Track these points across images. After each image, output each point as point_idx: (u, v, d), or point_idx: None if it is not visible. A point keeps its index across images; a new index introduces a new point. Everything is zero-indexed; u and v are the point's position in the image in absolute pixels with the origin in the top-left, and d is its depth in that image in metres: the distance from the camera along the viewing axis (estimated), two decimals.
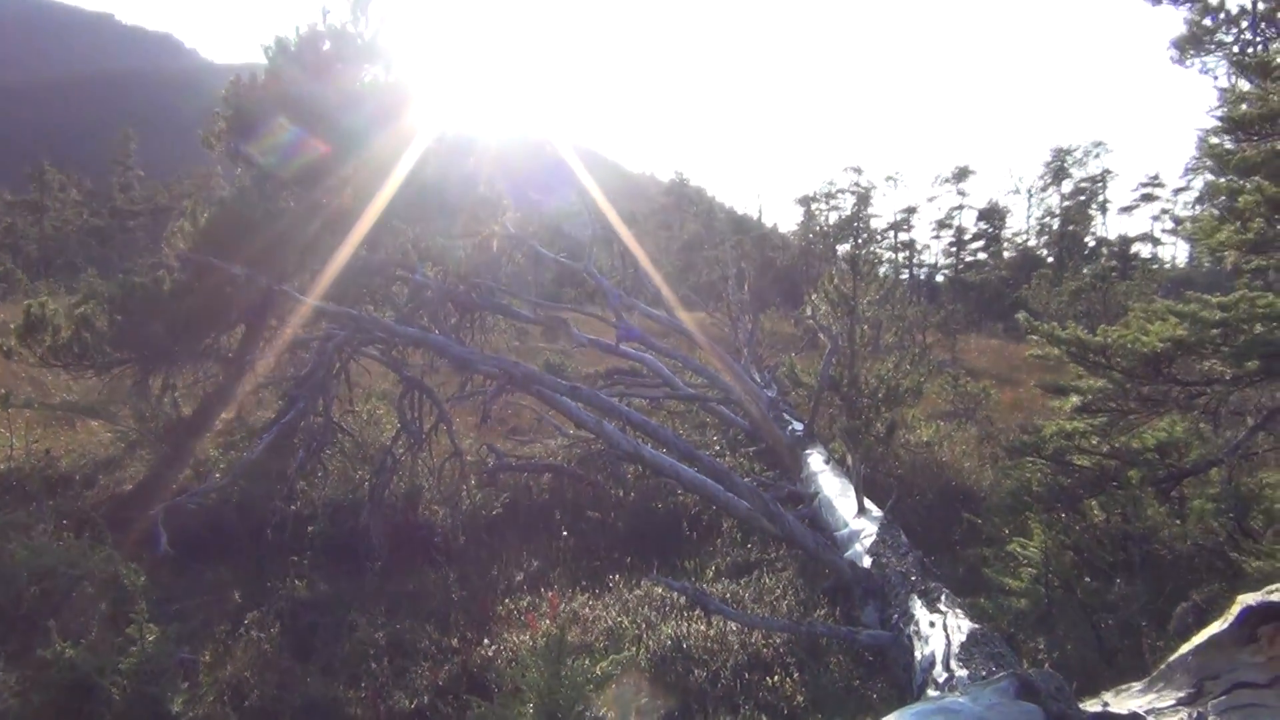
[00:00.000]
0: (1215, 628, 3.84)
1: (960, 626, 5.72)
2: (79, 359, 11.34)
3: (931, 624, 5.87)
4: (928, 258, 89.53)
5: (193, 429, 11.14)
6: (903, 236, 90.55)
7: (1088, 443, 7.71)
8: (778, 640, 6.57)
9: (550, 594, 7.46)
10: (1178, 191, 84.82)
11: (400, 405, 8.28)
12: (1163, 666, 4.21)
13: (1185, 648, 4.04)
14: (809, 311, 12.48)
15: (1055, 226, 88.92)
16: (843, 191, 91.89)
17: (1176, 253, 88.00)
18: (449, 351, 7.62)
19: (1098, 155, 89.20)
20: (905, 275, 79.07)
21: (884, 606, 6.51)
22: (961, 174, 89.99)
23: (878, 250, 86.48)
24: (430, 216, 12.45)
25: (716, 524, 9.47)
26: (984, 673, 5.16)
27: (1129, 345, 6.81)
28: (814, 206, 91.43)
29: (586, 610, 7.28)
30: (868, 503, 8.33)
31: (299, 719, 6.05)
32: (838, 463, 10.03)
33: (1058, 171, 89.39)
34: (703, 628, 6.72)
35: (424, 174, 11.92)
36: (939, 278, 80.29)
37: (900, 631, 6.00)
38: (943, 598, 6.32)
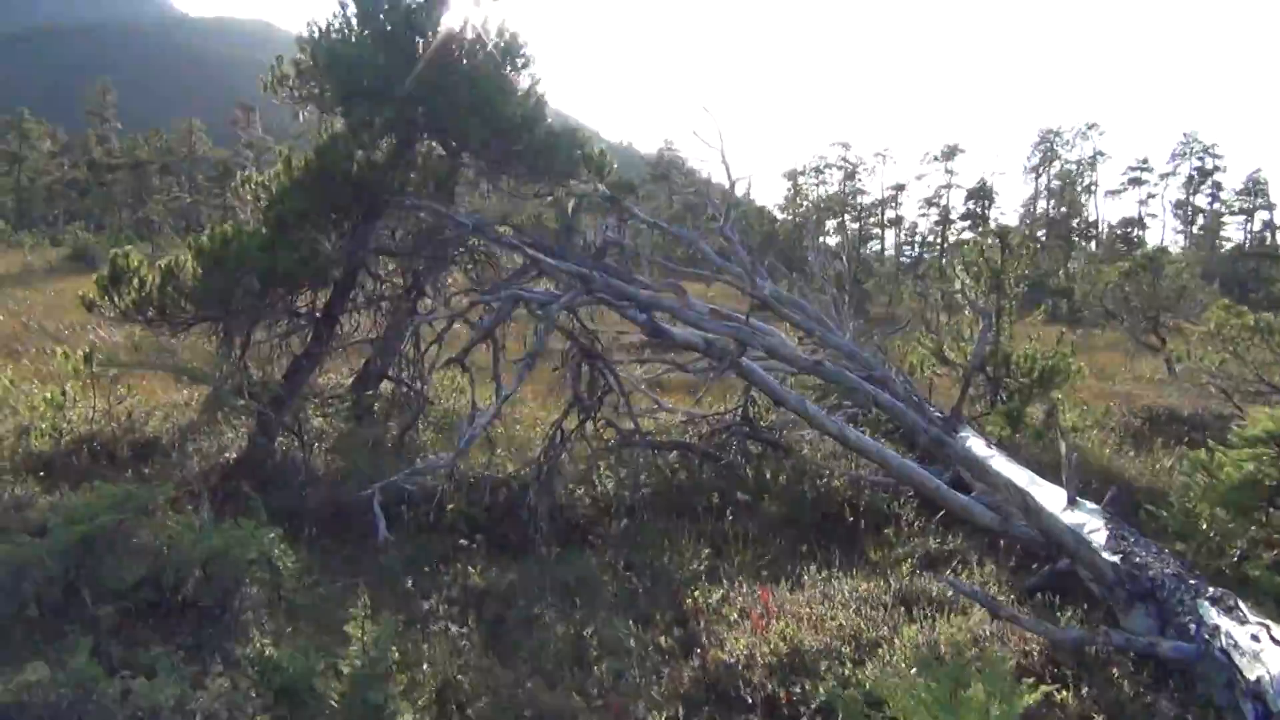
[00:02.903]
0: None
1: None
2: (161, 313, 10.53)
3: (1255, 638, 5.26)
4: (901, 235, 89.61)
5: (287, 393, 10.34)
6: (890, 214, 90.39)
7: None
8: (1035, 648, 5.95)
9: (762, 589, 6.78)
10: (1164, 176, 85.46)
11: (571, 376, 7.54)
12: None
13: None
14: (957, 285, 11.84)
15: (1041, 209, 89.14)
16: (831, 167, 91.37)
17: (1163, 237, 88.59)
18: (683, 315, 6.91)
19: (1087, 137, 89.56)
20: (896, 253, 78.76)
21: (1161, 613, 5.89)
22: (951, 152, 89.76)
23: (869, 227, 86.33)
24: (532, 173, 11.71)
25: (881, 510, 8.83)
26: None
27: None
28: (801, 181, 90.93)
29: (803, 608, 6.60)
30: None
31: None
32: (1002, 447, 9.41)
33: (1046, 153, 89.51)
34: (951, 629, 6.08)
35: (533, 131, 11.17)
36: (928, 256, 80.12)
37: (1208, 644, 5.39)
38: (1240, 605, 5.73)
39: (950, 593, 6.84)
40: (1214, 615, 5.62)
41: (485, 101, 10.88)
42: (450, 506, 8.34)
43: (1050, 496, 7.67)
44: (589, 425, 8.21)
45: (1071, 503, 7.58)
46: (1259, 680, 4.91)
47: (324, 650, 6.03)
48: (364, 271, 11.79)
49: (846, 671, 5.61)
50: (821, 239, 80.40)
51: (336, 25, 11.84)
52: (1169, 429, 12.50)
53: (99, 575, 5.92)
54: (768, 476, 9.29)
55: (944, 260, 61.94)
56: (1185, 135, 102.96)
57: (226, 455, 9.55)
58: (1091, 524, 7.17)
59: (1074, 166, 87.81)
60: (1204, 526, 8.13)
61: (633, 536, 8.29)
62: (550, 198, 13.07)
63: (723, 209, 10.41)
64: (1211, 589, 5.93)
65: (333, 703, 5.13)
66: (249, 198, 12.32)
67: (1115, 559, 6.40)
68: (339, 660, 5.45)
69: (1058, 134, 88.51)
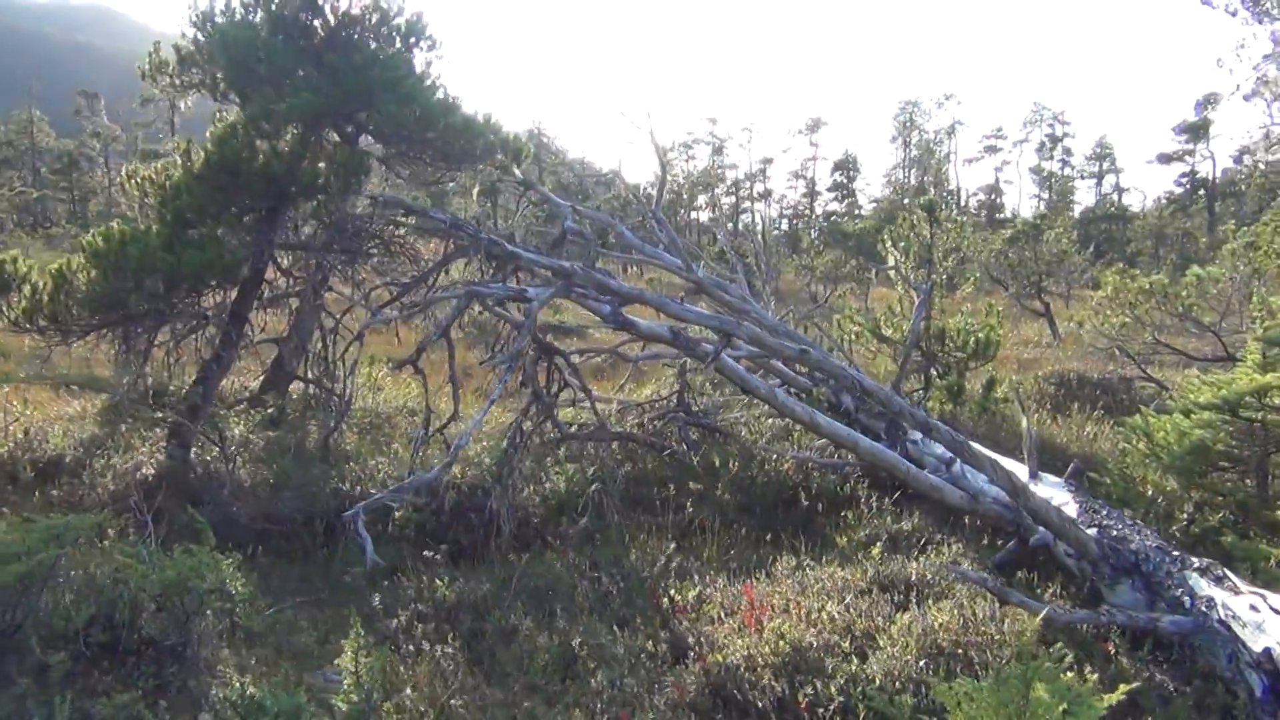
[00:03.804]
0: None
1: None
2: (53, 321, 9.81)
3: (1254, 608, 5.33)
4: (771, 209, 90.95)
5: (200, 400, 9.72)
6: (760, 187, 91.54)
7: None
8: (1027, 629, 5.92)
9: (745, 585, 6.60)
10: (1018, 144, 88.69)
11: (532, 373, 7.20)
12: None
13: None
14: (890, 261, 11.84)
15: (902, 177, 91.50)
16: (699, 142, 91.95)
17: (1019, 203, 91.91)
18: (669, 309, 6.64)
19: (944, 107, 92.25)
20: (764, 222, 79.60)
21: (1148, 586, 5.95)
22: (815, 125, 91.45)
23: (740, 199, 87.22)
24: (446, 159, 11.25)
25: (833, 492, 8.77)
26: None
27: None
28: (670, 156, 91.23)
29: (789, 601, 6.44)
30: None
31: None
32: (945, 422, 9.43)
33: (906, 124, 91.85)
34: (944, 616, 6.01)
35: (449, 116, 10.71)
36: (799, 226, 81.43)
37: (1205, 616, 5.44)
38: (1229, 575, 5.82)
39: (928, 575, 6.81)
40: (1205, 586, 5.69)
41: (394, 85, 10.39)
42: (398, 514, 7.94)
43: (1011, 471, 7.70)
44: (532, 423, 7.88)
45: (1034, 477, 7.64)
46: (1267, 651, 4.97)
47: (295, 682, 5.69)
48: (271, 268, 11.20)
49: (854, 668, 5.48)
50: (693, 214, 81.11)
51: (224, 7, 11.18)
52: (1081, 394, 12.81)
53: (46, 618, 5.39)
54: (716, 464, 9.14)
55: (814, 232, 63.05)
56: (1036, 104, 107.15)
57: (143, 472, 8.90)
58: (1059, 498, 7.24)
59: (933, 136, 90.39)
60: (1148, 493, 8.33)
61: (591, 535, 8.05)
62: (452, 184, 12.63)
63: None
64: (1196, 560, 6.01)
65: None
66: (136, 193, 11.55)
67: (1094, 533, 6.44)
68: (326, 692, 5.10)
69: (916, 105, 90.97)
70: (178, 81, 12.02)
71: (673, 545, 7.67)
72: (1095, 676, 4.07)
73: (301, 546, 8.13)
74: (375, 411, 11.84)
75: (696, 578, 7.10)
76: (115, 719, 4.83)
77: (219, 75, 11.10)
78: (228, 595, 6.08)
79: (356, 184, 10.61)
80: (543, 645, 6.10)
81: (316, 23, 10.88)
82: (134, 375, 10.20)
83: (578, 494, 8.64)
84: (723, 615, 6.42)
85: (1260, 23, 21.61)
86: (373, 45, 10.90)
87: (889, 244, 11.65)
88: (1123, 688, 3.79)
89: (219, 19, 11.14)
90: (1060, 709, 3.66)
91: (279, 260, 11.12)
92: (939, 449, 8.54)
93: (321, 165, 10.18)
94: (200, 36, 11.28)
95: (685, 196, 75.37)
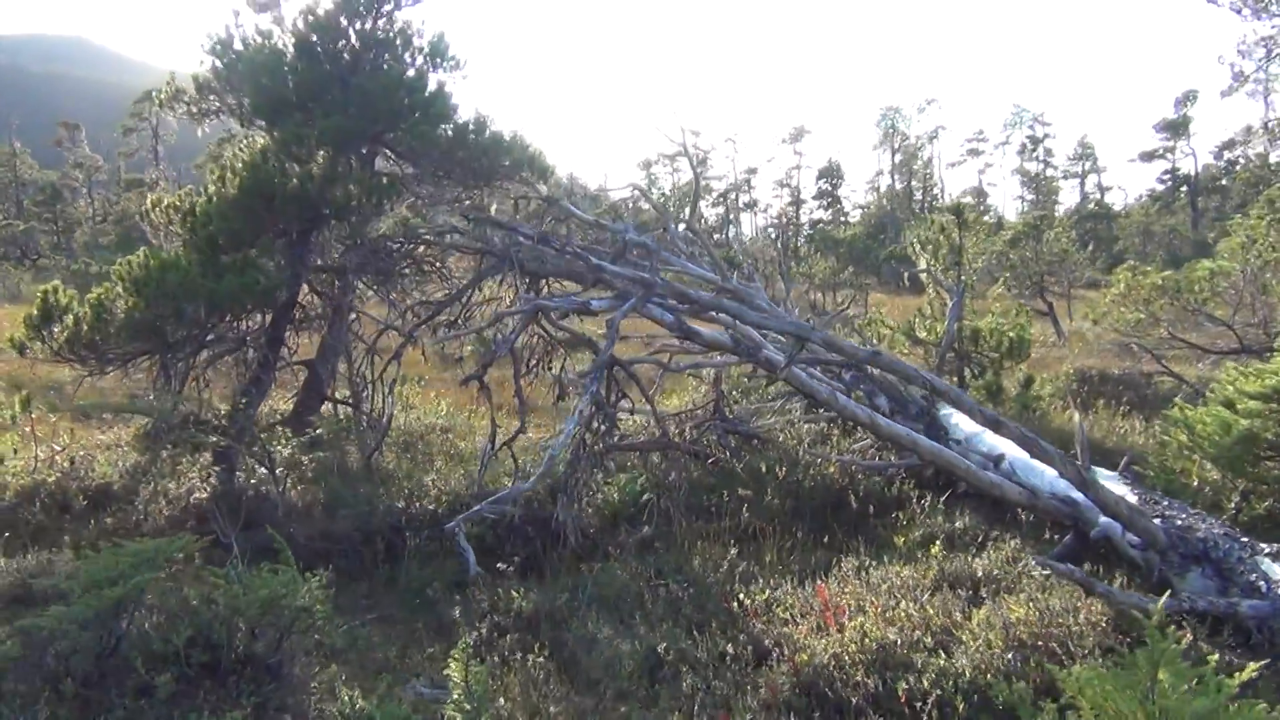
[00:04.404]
0: None
1: None
2: (92, 350, 9.87)
3: None
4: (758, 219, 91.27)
5: (243, 423, 9.77)
6: (746, 197, 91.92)
7: None
8: (1102, 620, 6.04)
9: (818, 586, 6.70)
10: (999, 146, 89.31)
11: (593, 384, 7.29)
12: None
13: None
14: (922, 264, 11.99)
15: (887, 184, 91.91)
16: (683, 155, 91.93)
17: (1002, 206, 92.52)
18: (747, 318, 6.75)
19: (926, 112, 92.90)
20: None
21: (1219, 573, 6.07)
22: (798, 134, 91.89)
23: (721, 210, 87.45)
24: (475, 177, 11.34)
25: (880, 494, 8.88)
26: None
27: None
28: (655, 170, 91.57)
29: (865, 600, 6.54)
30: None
31: None
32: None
33: (889, 130, 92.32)
34: (1021, 611, 6.11)
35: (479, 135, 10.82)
36: (789, 235, 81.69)
37: None
38: None
39: (995, 570, 6.92)
40: (1279, 570, 5.82)
41: (426, 105, 10.51)
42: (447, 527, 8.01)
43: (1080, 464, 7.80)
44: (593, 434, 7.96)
45: (1086, 471, 7.75)
46: None
47: (384, 696, 5.74)
48: (303, 290, 11.28)
49: (942, 663, 5.58)
50: (681, 226, 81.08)
51: (243, 35, 11.29)
52: (1103, 390, 12.98)
53: (144, 639, 5.44)
54: (763, 470, 9.24)
55: (806, 241, 63.26)
56: (1016, 106, 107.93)
57: (196, 496, 8.95)
58: (1118, 490, 7.35)
59: (916, 141, 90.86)
60: (1193, 484, 8.47)
61: (650, 543, 8.14)
62: (469, 201, 12.70)
63: (689, 205, 10.27)
64: (1266, 545, 6.14)
65: None
66: (162, 221, 11.62)
67: (1159, 523, 6.56)
68: (418, 706, 5.18)
69: (898, 110, 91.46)
70: (195, 109, 12.12)
71: (735, 550, 7.76)
72: (1215, 657, 4.16)
73: (361, 564, 8.20)
74: (408, 430, 11.90)
75: (761, 581, 7.19)
76: None
77: (245, 100, 11.18)
78: (312, 613, 6.15)
79: (388, 205, 10.72)
80: (626, 651, 6.18)
81: (342, 45, 10.99)
82: (174, 401, 10.24)
83: (631, 504, 8.74)
84: (796, 617, 6.51)
85: (1259, 19, 21.94)
86: (397, 67, 11.00)
87: (918, 247, 11.80)
88: (1252, 666, 3.90)
89: (238, 46, 11.26)
90: (1184, 689, 3.77)
91: (312, 283, 11.19)
92: (985, 447, 8.66)
93: (353, 187, 10.27)
94: (219, 64, 11.38)
95: (671, 209, 75.55)
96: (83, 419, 12.88)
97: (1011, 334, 9.99)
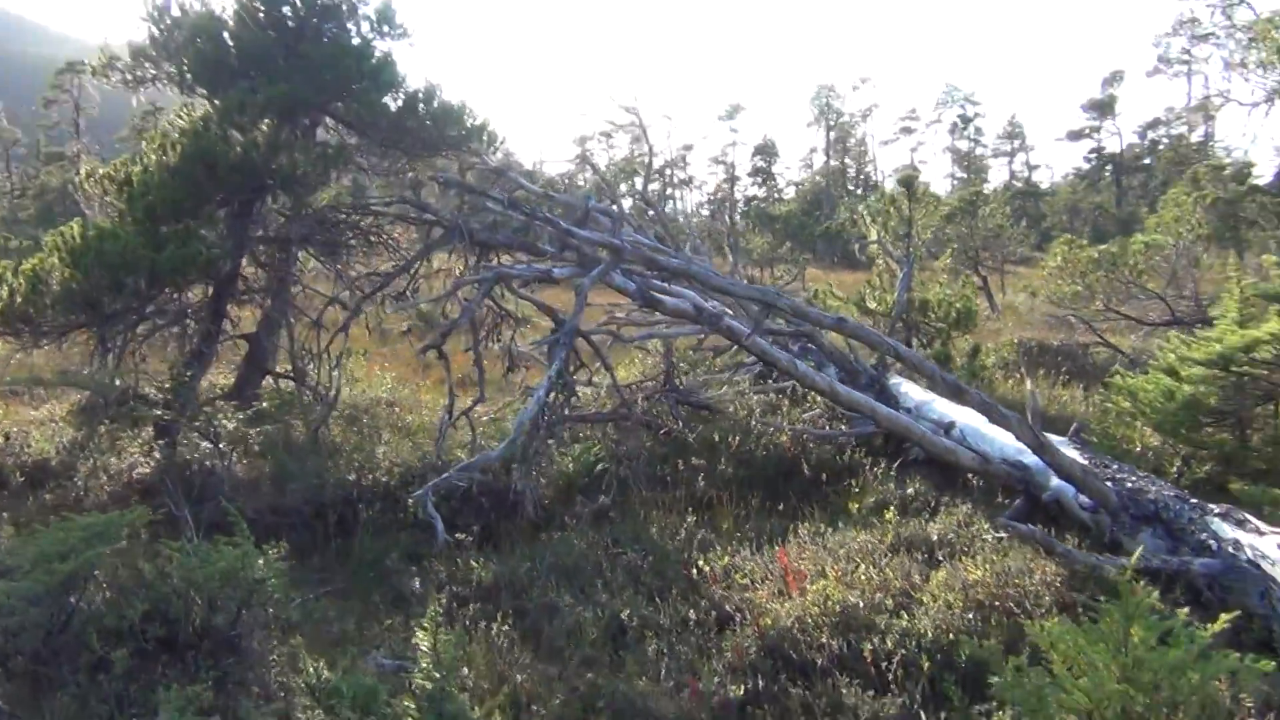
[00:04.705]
0: None
1: None
2: (29, 323, 9.58)
3: None
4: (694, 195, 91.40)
5: (186, 397, 9.56)
6: (681, 174, 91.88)
7: (1266, 353, 7.67)
8: (1056, 579, 6.16)
9: (779, 551, 6.75)
10: (931, 124, 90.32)
11: (562, 350, 7.21)
12: None
13: None
14: (873, 235, 12.06)
15: (823, 162, 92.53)
16: (619, 129, 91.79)
17: (934, 183, 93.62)
18: (711, 283, 6.72)
19: (858, 90, 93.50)
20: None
21: (1170, 533, 6.21)
22: (733, 111, 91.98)
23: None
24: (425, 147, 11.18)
25: (832, 462, 8.95)
26: None
27: None
28: (590, 145, 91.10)
29: (830, 566, 6.59)
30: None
31: None
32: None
33: (823, 108, 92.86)
34: (979, 573, 6.21)
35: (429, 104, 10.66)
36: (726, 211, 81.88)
37: (1234, 557, 5.72)
38: (1249, 518, 6.11)
39: (949, 534, 7.03)
40: (1228, 530, 5.98)
41: (375, 73, 10.32)
42: (411, 501, 7.92)
43: (1006, 434, 7.93)
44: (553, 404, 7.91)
45: (1039, 438, 7.89)
46: None
47: (347, 668, 5.66)
48: (247, 261, 11.05)
49: (905, 623, 5.66)
50: (628, 201, 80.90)
51: (182, 2, 10.99)
52: (1043, 360, 13.23)
53: (98, 616, 5.31)
54: (716, 440, 9.28)
55: (741, 217, 63.46)
56: (948, 85, 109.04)
57: (139, 471, 8.74)
58: (1069, 454, 7.49)
59: (849, 119, 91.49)
60: (1135, 449, 8.69)
61: (605, 513, 8.13)
62: (412, 174, 12.51)
63: (634, 177, 10.22)
64: (1215, 506, 6.31)
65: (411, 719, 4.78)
66: (96, 191, 11.28)
67: (1111, 485, 6.71)
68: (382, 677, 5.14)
69: (832, 89, 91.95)
70: (130, 78, 11.77)
71: (692, 518, 7.78)
72: (1185, 611, 4.27)
73: (313, 538, 8.08)
74: (354, 404, 11.74)
75: (719, 548, 7.23)
76: (186, 710, 4.78)
77: (184, 68, 10.88)
78: (269, 587, 6.05)
79: (335, 174, 10.54)
80: (589, 619, 6.16)
81: (286, 11, 10.74)
82: (112, 375, 9.98)
83: (585, 474, 8.73)
84: (756, 582, 6.56)
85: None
86: (343, 34, 10.79)
87: (868, 219, 11.90)
88: (1225, 617, 4.00)
89: (176, 12, 10.96)
90: (1154, 642, 3.85)
91: (255, 254, 10.96)
92: (935, 415, 8.78)
93: (299, 156, 10.05)
94: (155, 31, 11.07)
95: (607, 185, 75.30)
96: (12, 395, 12.54)
97: (959, 305, 10.15)
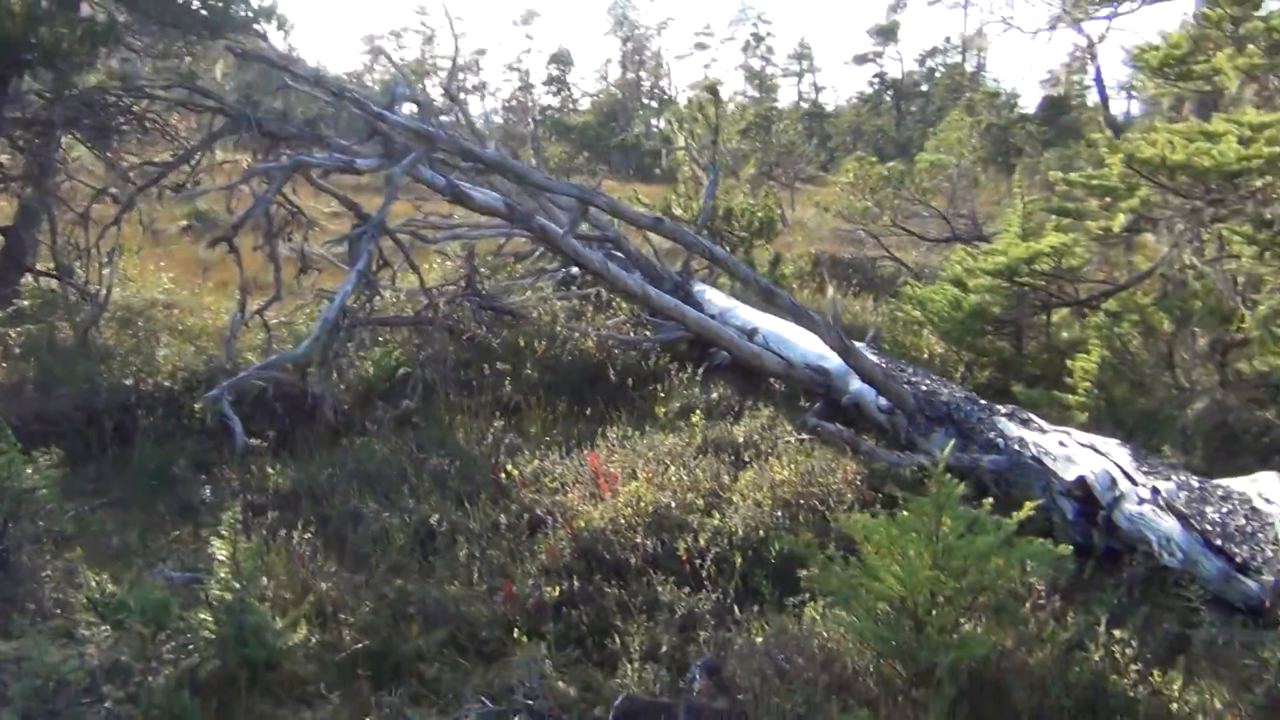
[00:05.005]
0: None
1: (1092, 443, 5.93)
2: None
3: (1062, 444, 5.99)
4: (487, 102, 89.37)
5: None
6: (474, 80, 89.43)
7: (1045, 265, 8.13)
8: (857, 478, 6.40)
9: (590, 455, 6.69)
10: (725, 41, 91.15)
11: (369, 244, 6.74)
12: None
13: None
14: (680, 142, 11.92)
15: (618, 74, 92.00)
16: (409, 30, 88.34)
17: (727, 100, 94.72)
18: (530, 178, 6.40)
19: (654, 1, 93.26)
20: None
21: (961, 433, 6.52)
22: (528, 17, 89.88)
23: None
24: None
25: (638, 368, 8.95)
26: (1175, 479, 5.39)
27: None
28: (381, 44, 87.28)
29: (640, 468, 6.59)
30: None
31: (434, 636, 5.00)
32: (738, 298, 9.81)
33: (619, 19, 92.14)
34: (785, 473, 6.35)
35: None
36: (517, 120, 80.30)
37: (1019, 454, 6.06)
38: (1033, 418, 6.48)
39: (755, 436, 7.18)
40: (1014, 429, 6.33)
41: None
42: (198, 406, 7.43)
43: (811, 340, 8.12)
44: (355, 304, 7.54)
45: (844, 344, 8.12)
46: (1080, 479, 5.61)
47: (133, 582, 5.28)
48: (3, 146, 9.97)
49: (716, 522, 5.75)
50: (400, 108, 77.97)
51: None
52: (834, 272, 13.64)
53: None
54: (521, 344, 9.13)
55: (536, 126, 62.52)
56: (742, 3, 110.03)
57: None
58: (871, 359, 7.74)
59: (645, 31, 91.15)
60: (923, 355, 9.11)
61: (408, 419, 7.88)
62: (189, 58, 11.56)
63: (449, 75, 9.76)
64: (1002, 407, 6.66)
65: (208, 633, 4.50)
66: None
67: (908, 389, 6.98)
68: (198, 585, 4.82)
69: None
70: None
71: (500, 423, 7.63)
72: (990, 501, 4.47)
73: (87, 447, 7.48)
74: (127, 305, 10.89)
75: (527, 453, 7.14)
76: None
77: None
78: (38, 497, 5.55)
79: (104, 52, 9.58)
80: (395, 525, 5.98)
81: None
82: None
83: (385, 378, 8.44)
84: (567, 485, 6.51)
85: None
86: None
87: (675, 126, 11.83)
88: (1029, 504, 4.20)
89: None
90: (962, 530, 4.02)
91: (12, 138, 9.88)
92: (739, 321, 8.89)
93: (62, 29, 9.06)
94: None
95: (406, 81, 72.46)
96: None
97: (761, 215, 10.29)
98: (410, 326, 8.66)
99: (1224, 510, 5.22)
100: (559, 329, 9.47)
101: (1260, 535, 5.04)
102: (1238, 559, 4.94)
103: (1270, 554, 4.90)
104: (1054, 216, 8.51)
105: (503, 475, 6.69)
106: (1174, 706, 4.08)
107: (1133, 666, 4.29)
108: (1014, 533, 4.06)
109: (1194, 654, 4.48)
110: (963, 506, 4.17)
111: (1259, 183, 6.28)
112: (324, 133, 9.55)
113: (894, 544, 4.01)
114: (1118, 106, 29.62)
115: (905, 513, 4.09)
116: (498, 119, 75.28)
